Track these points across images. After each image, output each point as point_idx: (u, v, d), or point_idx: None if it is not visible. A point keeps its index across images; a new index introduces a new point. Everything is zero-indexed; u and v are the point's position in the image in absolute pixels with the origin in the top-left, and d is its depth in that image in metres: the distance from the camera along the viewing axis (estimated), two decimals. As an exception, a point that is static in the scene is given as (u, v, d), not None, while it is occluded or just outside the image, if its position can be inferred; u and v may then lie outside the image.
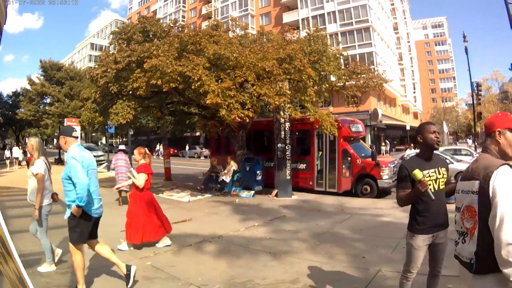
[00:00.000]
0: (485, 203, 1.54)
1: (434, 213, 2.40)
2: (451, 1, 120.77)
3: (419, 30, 71.71)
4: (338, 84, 11.24)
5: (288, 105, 8.77)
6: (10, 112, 30.63)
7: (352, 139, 10.12)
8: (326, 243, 4.97)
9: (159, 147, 33.99)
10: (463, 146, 24.09)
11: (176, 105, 11.93)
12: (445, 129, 44.02)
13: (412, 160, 2.51)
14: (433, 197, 2.21)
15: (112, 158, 8.64)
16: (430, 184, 2.33)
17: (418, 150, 2.65)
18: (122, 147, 8.98)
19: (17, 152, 20.55)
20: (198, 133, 37.49)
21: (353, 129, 10.08)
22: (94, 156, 13.73)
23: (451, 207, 2.45)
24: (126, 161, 8.26)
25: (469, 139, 52.02)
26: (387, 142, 33.40)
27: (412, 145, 16.16)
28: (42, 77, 25.31)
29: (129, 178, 5.09)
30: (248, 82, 8.22)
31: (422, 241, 2.43)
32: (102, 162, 19.74)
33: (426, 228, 2.41)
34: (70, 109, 22.32)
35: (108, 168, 17.90)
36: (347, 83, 11.33)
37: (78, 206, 3.08)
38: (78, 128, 16.91)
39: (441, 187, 2.44)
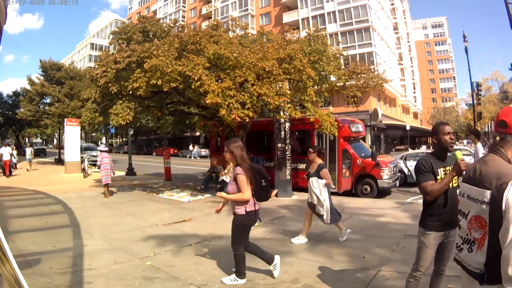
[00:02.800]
0: (497, 216, 1.44)
1: (448, 211, 2.40)
2: (451, 1, 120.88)
3: (419, 30, 71.69)
4: (338, 84, 11.22)
5: (288, 105, 8.77)
6: (10, 112, 30.61)
7: (352, 139, 10.12)
8: (326, 243, 4.97)
9: (194, 148, 31.22)
10: (462, 146, 24.10)
11: (176, 105, 11.91)
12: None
13: (429, 156, 2.51)
14: None
15: (98, 157, 10.01)
16: None
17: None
18: (103, 147, 10.23)
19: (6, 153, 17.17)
20: (198, 133, 37.44)
21: (353, 129, 10.08)
22: (94, 156, 14.26)
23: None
24: (109, 158, 9.49)
25: (465, 139, 52.36)
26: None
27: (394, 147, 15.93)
28: (42, 77, 25.27)
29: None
30: (248, 82, 8.21)
31: (433, 239, 2.44)
32: (102, 162, 19.64)
33: (439, 225, 2.41)
34: (70, 109, 22.28)
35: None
36: (347, 83, 11.32)
37: None
38: (78, 128, 16.90)
39: (454, 185, 2.43)
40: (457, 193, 1.81)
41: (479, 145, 6.77)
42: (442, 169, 2.43)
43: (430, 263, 2.56)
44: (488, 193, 1.50)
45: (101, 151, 9.81)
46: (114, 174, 9.72)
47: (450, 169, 2.39)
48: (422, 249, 2.50)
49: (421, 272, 2.54)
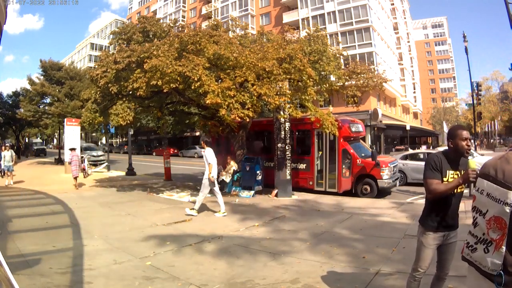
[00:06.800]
0: None
1: (449, 214, 2.42)
2: (451, 1, 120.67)
3: (419, 30, 71.68)
4: (338, 84, 11.23)
5: (288, 105, 8.77)
6: (10, 112, 30.58)
7: (352, 139, 10.11)
8: (326, 243, 4.97)
9: None
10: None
11: (176, 105, 11.91)
12: (445, 129, 44.01)
13: (442, 155, 2.45)
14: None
15: (69, 155, 12.05)
16: None
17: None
18: (73, 146, 12.42)
19: None
20: (198, 133, 37.42)
21: (353, 129, 10.07)
22: (94, 156, 14.71)
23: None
24: (78, 156, 11.67)
25: None
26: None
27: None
28: (42, 77, 25.26)
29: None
30: (248, 82, 8.21)
31: (432, 240, 2.46)
32: (102, 162, 19.58)
33: (438, 226, 2.43)
34: (70, 109, 22.26)
35: (109, 168, 17.91)
36: (347, 83, 11.32)
37: None
38: (78, 128, 16.92)
39: (459, 190, 2.42)
40: (474, 189, 1.76)
41: (208, 149, 7.15)
42: (451, 172, 2.39)
43: (430, 264, 2.56)
44: (511, 194, 1.48)
45: (71, 149, 11.81)
46: (85, 168, 12.48)
47: (460, 175, 2.35)
48: (420, 249, 2.52)
49: (420, 272, 2.54)
